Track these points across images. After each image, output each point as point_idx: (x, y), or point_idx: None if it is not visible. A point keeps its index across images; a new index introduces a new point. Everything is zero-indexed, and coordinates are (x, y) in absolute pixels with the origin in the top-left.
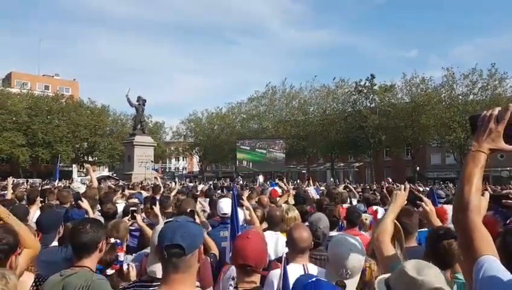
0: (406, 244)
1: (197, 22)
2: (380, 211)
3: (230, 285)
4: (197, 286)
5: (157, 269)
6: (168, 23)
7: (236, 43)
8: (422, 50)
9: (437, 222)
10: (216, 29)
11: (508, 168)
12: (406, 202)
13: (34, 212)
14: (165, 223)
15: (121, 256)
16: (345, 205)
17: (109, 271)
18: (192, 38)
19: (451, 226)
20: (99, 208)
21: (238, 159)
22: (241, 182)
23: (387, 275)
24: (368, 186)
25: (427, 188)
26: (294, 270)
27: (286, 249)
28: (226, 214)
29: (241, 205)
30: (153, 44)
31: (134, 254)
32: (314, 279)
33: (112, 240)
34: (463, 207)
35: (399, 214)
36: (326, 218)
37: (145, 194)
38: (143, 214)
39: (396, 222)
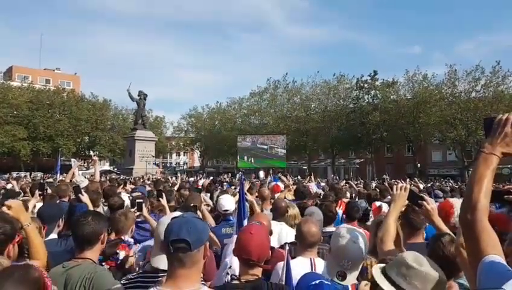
0: (414, 240)
1: (199, 17)
2: (384, 207)
3: (227, 273)
4: (202, 280)
5: (161, 261)
6: (170, 19)
7: (237, 39)
8: (426, 47)
9: (439, 221)
10: (217, 25)
11: (509, 166)
12: (406, 201)
13: (32, 205)
14: (171, 218)
15: (121, 255)
16: (345, 200)
17: (104, 265)
18: (193, 34)
19: (457, 220)
20: (103, 201)
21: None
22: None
23: (382, 264)
24: (368, 183)
25: (429, 185)
26: (302, 264)
27: (289, 241)
28: (227, 210)
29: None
30: (154, 39)
31: (139, 245)
32: (317, 281)
33: (127, 237)
34: (471, 207)
35: (407, 210)
36: (320, 211)
37: (147, 188)
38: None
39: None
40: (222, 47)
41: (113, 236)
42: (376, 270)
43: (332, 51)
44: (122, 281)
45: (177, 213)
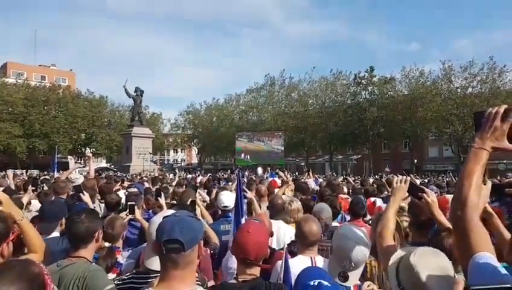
0: (418, 239)
1: (198, 13)
2: (378, 202)
3: (231, 274)
4: (197, 282)
5: (154, 262)
6: (169, 15)
7: (237, 36)
8: (425, 43)
9: (439, 214)
10: (217, 21)
11: (505, 161)
12: (406, 194)
13: (26, 201)
14: (163, 217)
15: (120, 258)
16: (343, 196)
17: (110, 275)
18: (193, 30)
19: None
20: (99, 198)
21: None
22: (240, 173)
23: (396, 260)
24: (365, 179)
25: (425, 181)
26: (302, 263)
27: (287, 240)
28: (226, 207)
29: (245, 197)
30: (154, 35)
31: (130, 250)
32: (316, 282)
33: (107, 244)
34: (461, 203)
35: (414, 209)
36: (329, 208)
37: (145, 185)
38: (143, 205)
39: (396, 217)
40: (222, 44)
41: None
42: (392, 269)
43: (332, 49)
44: (115, 282)
45: (170, 211)
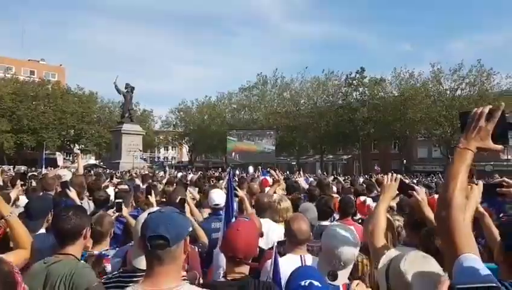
0: (413, 239)
1: (197, 11)
2: (368, 200)
3: (219, 273)
4: (184, 277)
5: (142, 261)
6: (167, 13)
7: (236, 34)
8: (418, 45)
9: (428, 211)
10: (216, 20)
11: (492, 163)
12: (396, 192)
13: (14, 196)
14: (148, 213)
15: (108, 267)
16: (334, 195)
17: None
18: (191, 28)
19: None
20: (88, 195)
21: (228, 149)
22: (231, 172)
23: (386, 262)
24: (355, 178)
25: (414, 181)
26: (292, 261)
27: (276, 239)
28: (217, 205)
29: (236, 195)
30: (152, 33)
31: (117, 247)
32: (307, 282)
33: (96, 252)
34: (446, 204)
35: (409, 209)
36: (314, 208)
37: (137, 182)
38: (132, 202)
39: (388, 216)
40: (221, 42)
41: (90, 244)
42: (381, 272)
43: (332, 49)
44: (102, 280)
45: (155, 208)
